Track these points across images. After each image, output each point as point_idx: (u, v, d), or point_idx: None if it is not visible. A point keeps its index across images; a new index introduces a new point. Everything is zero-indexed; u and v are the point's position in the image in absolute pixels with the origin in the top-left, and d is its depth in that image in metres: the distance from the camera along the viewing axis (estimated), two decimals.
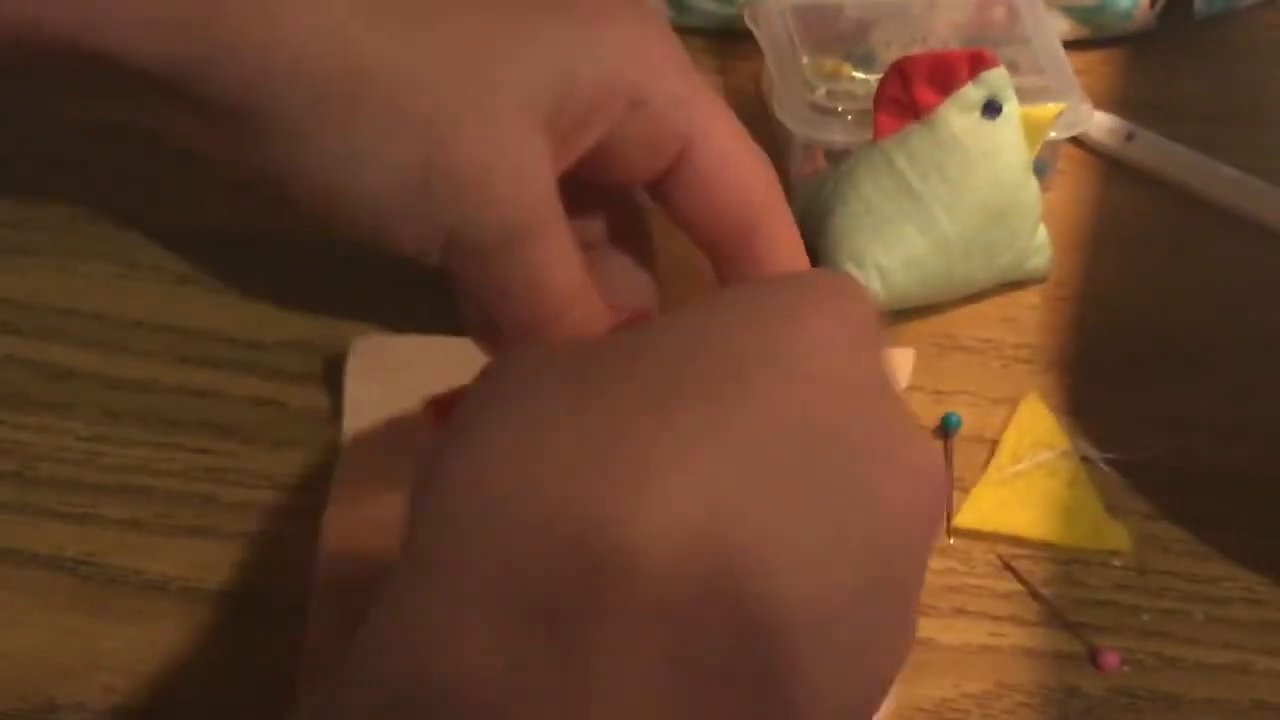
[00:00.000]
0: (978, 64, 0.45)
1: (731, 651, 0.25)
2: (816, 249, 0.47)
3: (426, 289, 0.47)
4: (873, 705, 0.29)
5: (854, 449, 0.27)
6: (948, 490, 0.42)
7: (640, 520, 0.25)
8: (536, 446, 0.27)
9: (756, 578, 0.25)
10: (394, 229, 0.36)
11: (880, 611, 0.28)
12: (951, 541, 0.41)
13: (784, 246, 0.38)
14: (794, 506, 0.26)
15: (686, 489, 0.26)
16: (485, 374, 0.30)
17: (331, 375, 0.44)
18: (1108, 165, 0.53)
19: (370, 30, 0.35)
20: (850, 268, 0.45)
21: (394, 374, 0.43)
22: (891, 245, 0.45)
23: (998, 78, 0.45)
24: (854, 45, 0.51)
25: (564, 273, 0.36)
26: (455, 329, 0.47)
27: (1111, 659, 0.39)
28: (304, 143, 0.35)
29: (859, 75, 0.50)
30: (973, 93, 0.45)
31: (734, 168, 0.37)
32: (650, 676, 0.25)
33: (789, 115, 0.48)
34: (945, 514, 0.30)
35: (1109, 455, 0.44)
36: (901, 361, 0.44)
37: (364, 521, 0.39)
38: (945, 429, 0.44)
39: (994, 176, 0.45)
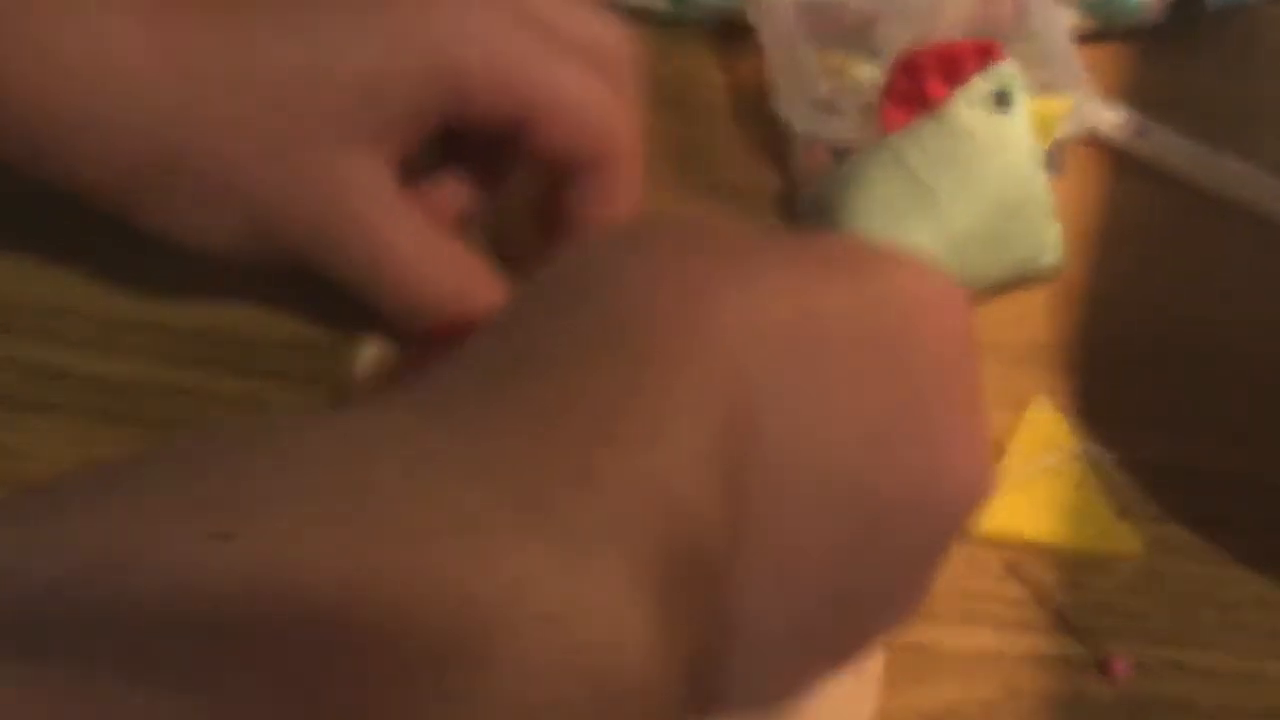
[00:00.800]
0: (987, 56, 0.44)
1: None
2: None
3: None
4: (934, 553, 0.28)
5: (933, 412, 0.28)
6: None
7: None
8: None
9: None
10: (250, 259, 0.40)
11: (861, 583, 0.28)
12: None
13: (622, 184, 0.40)
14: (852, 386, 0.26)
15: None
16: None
17: (330, 376, 0.43)
18: (1118, 160, 0.52)
19: (179, 116, 0.37)
20: None
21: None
22: (903, 240, 0.44)
23: (1007, 70, 0.44)
24: (858, 40, 0.50)
25: (423, 263, 0.38)
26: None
27: (1120, 665, 0.39)
28: (135, 212, 0.39)
29: (863, 70, 0.49)
30: (982, 85, 0.44)
31: (572, 120, 0.38)
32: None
33: (792, 111, 0.48)
34: (975, 368, 0.31)
35: (1119, 457, 0.43)
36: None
37: None
38: None
39: (1005, 170, 0.44)
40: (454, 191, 0.42)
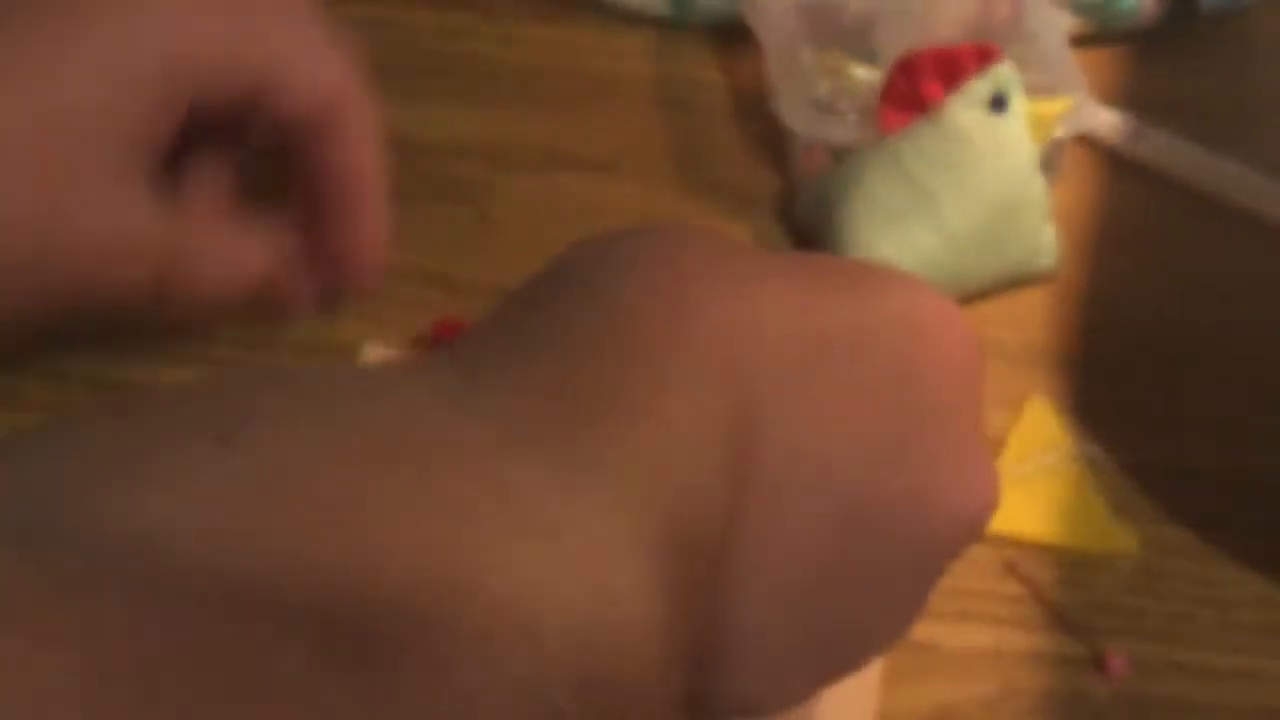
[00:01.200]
0: (984, 58, 0.44)
1: None
2: (824, 244, 0.46)
3: (426, 291, 0.46)
4: (936, 569, 0.28)
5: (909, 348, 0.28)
6: None
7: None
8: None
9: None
10: (52, 323, 0.38)
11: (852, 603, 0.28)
12: None
13: (361, 128, 0.39)
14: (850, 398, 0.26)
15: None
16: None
17: None
18: (1114, 162, 0.52)
19: None
20: None
21: None
22: (901, 242, 0.44)
23: (1004, 72, 0.44)
24: (856, 42, 0.50)
25: (205, 264, 0.37)
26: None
27: (1118, 663, 0.39)
28: None
29: (861, 72, 0.49)
30: (979, 87, 0.44)
31: (304, 79, 0.38)
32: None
33: (790, 113, 0.48)
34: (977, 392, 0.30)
35: (1116, 457, 0.43)
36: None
37: None
38: None
39: (1002, 171, 0.44)
40: (209, 172, 0.42)
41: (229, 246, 0.39)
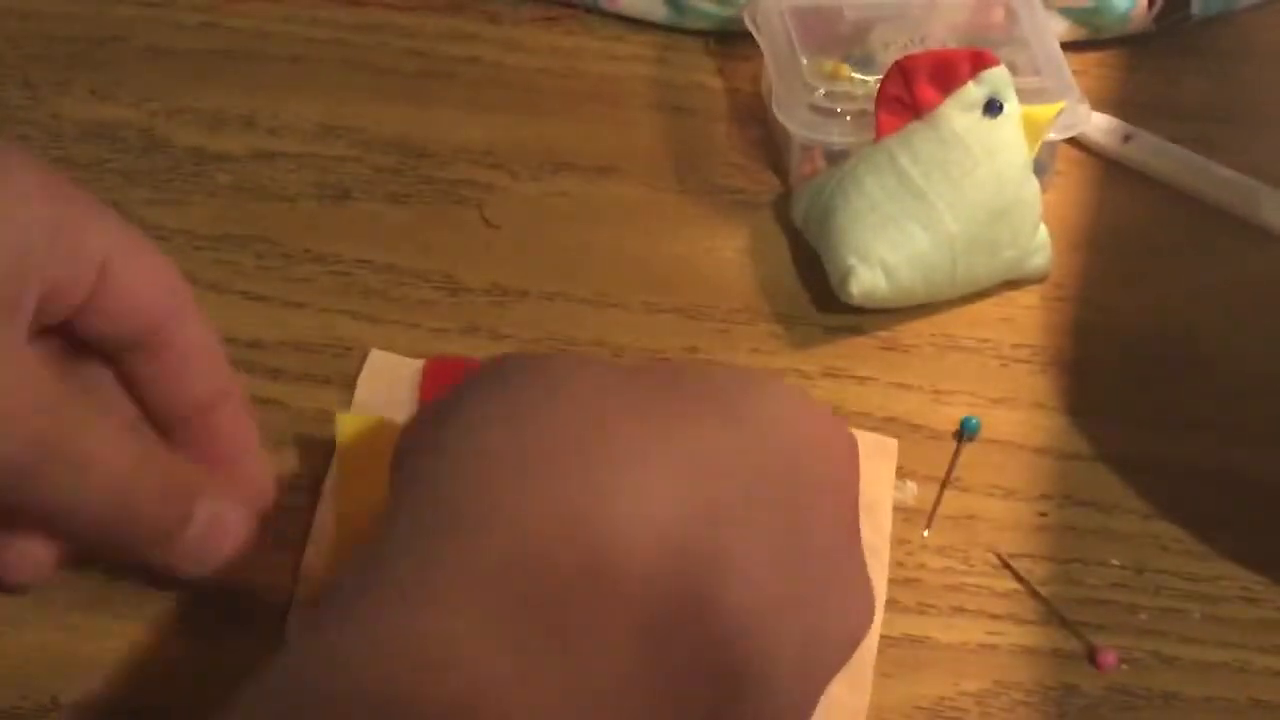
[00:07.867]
0: (979, 63, 0.45)
1: (694, 645, 0.29)
2: (820, 248, 0.47)
3: (428, 292, 0.47)
4: (818, 688, 0.33)
5: (796, 477, 0.32)
6: (940, 487, 0.43)
7: (617, 516, 0.29)
8: (525, 451, 0.30)
9: (718, 585, 0.29)
10: None
11: (818, 608, 0.32)
12: (926, 534, 0.42)
13: (195, 335, 0.38)
14: (747, 523, 0.30)
15: (663, 493, 0.29)
16: (464, 387, 0.33)
17: (332, 376, 0.44)
18: (1106, 166, 0.53)
19: None
20: (855, 263, 0.45)
21: (400, 391, 0.43)
22: (896, 242, 0.45)
23: (999, 76, 0.45)
24: (853, 46, 0.51)
25: (102, 474, 0.34)
26: (459, 335, 0.47)
27: (1109, 658, 0.39)
28: None
29: (858, 76, 0.50)
30: (974, 91, 0.45)
31: (134, 276, 0.36)
32: (621, 660, 0.28)
33: (788, 116, 0.48)
34: (856, 511, 0.35)
35: (1107, 455, 0.44)
36: (885, 450, 0.43)
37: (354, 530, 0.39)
38: (964, 432, 0.44)
39: (996, 175, 0.45)
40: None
41: (117, 434, 0.35)
